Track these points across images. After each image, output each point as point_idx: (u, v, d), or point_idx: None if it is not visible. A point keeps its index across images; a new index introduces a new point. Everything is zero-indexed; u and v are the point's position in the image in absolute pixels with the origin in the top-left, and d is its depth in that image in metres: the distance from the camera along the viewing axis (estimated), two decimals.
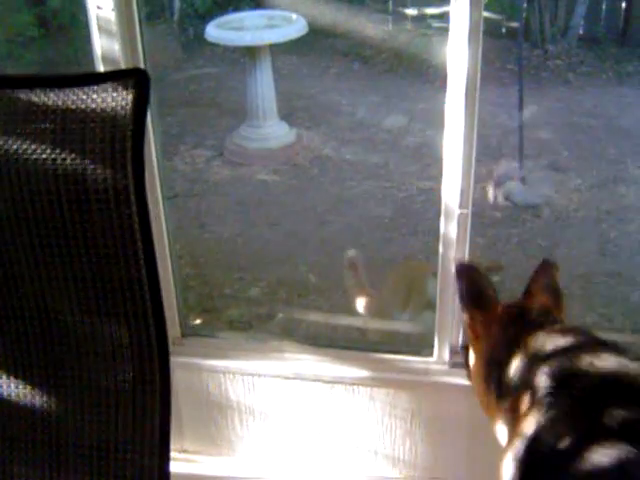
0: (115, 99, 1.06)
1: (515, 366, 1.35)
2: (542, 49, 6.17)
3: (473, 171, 1.85)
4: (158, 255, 2.06)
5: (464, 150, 1.80)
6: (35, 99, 1.11)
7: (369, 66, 6.20)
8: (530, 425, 1.20)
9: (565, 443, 1.13)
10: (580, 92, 5.73)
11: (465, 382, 2.04)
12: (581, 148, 4.95)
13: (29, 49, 5.88)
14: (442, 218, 1.90)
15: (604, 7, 6.52)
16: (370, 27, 6.56)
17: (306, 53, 6.28)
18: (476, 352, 1.54)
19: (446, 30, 1.71)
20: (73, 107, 1.08)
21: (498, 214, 4.22)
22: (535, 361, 1.31)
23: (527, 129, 4.53)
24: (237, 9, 6.14)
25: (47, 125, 1.10)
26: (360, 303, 3.04)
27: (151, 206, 1.99)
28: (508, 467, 1.23)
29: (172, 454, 2.27)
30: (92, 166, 1.08)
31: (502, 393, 1.39)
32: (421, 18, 6.67)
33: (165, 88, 5.70)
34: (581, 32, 6.42)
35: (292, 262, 3.87)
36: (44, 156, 1.10)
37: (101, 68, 1.83)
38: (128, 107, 1.06)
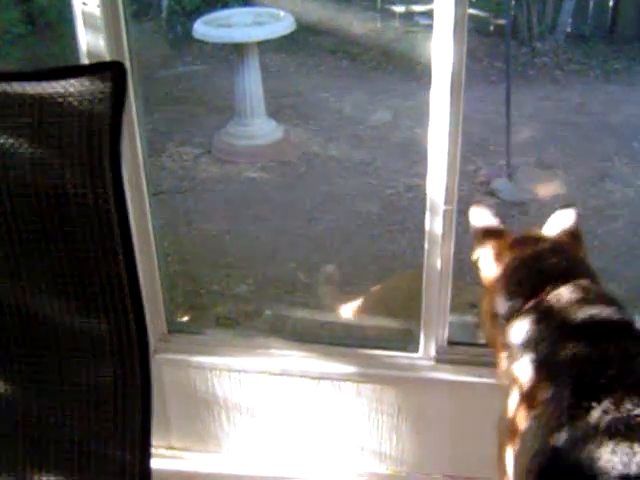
0: (92, 92, 1.05)
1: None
2: (530, 46, 6.18)
3: (458, 167, 1.85)
4: (144, 252, 2.07)
5: (449, 146, 1.81)
6: (12, 93, 1.10)
7: (357, 63, 6.20)
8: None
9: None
10: (568, 89, 5.75)
11: (451, 377, 2.06)
12: (568, 145, 4.97)
13: (16, 46, 5.87)
14: (427, 214, 1.91)
15: (592, 4, 6.54)
16: (358, 24, 6.56)
17: (294, 50, 6.27)
18: (486, 288, 1.57)
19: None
20: (50, 101, 1.07)
21: None
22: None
23: (514, 126, 4.55)
24: (225, 6, 6.12)
25: (24, 119, 1.09)
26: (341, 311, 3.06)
27: (137, 203, 2.01)
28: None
29: (159, 451, 2.29)
30: (69, 160, 1.07)
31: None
32: (409, 15, 6.68)
33: (153, 85, 5.69)
34: (569, 29, 6.43)
35: (280, 259, 3.87)
36: (21, 150, 1.09)
37: None
38: (105, 100, 1.05)
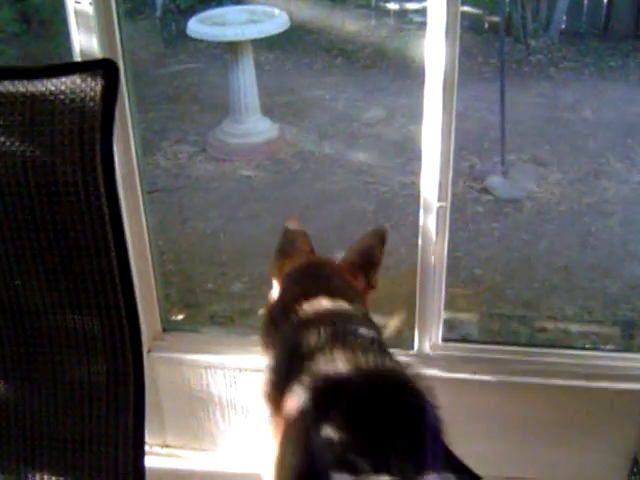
0: (84, 90, 1.05)
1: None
2: (524, 44, 6.19)
3: (452, 164, 1.85)
4: (139, 250, 2.07)
5: (442, 143, 1.81)
6: (3, 91, 1.10)
7: (352, 61, 6.20)
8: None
9: None
10: (562, 87, 5.75)
11: (446, 374, 2.06)
12: (563, 142, 4.98)
13: (11, 45, 5.87)
14: (421, 211, 1.91)
15: (586, 2, 6.55)
16: (352, 22, 6.57)
17: (288, 48, 6.27)
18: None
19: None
20: (41, 98, 1.07)
21: (480, 208, 4.24)
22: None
23: (509, 123, 4.55)
24: (219, 4, 6.12)
25: (15, 117, 1.09)
26: None
27: (131, 201, 2.01)
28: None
29: (154, 449, 2.29)
30: (61, 158, 1.07)
31: None
32: (402, 13, 6.68)
33: (147, 84, 5.69)
34: (563, 27, 6.44)
35: None
36: (13, 148, 1.09)
37: None
38: (97, 98, 1.05)
